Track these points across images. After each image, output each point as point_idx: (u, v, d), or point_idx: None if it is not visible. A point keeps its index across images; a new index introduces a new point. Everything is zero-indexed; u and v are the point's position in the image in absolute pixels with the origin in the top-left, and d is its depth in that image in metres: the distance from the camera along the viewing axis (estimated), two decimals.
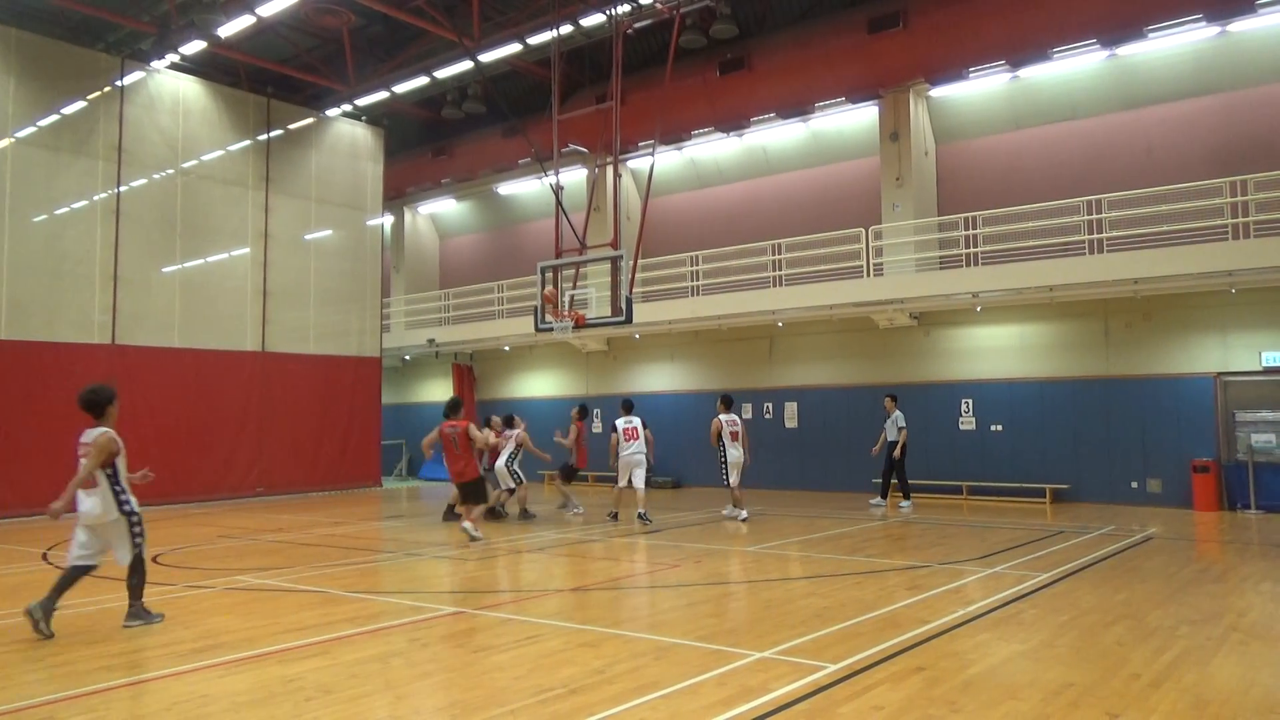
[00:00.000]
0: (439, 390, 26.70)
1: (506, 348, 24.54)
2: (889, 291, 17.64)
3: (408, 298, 27.28)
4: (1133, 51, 16.85)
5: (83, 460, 7.31)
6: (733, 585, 9.00)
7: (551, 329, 14.56)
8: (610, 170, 16.49)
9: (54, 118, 17.59)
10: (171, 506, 17.71)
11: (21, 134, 17.13)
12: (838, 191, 20.97)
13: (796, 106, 19.98)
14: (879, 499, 16.48)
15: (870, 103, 19.45)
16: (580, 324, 14.33)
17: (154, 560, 10.91)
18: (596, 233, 18.26)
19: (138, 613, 7.40)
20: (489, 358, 25.88)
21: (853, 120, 20.35)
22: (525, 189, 26.02)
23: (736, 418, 14.82)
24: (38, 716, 5.06)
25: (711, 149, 22.57)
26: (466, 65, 20.02)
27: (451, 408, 12.80)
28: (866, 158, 20.18)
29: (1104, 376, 16.65)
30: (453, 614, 7.63)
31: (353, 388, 22.26)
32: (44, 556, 11.51)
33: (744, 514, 14.36)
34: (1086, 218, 16.26)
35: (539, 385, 24.97)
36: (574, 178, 22.30)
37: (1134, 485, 16.21)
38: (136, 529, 7.50)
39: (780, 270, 19.52)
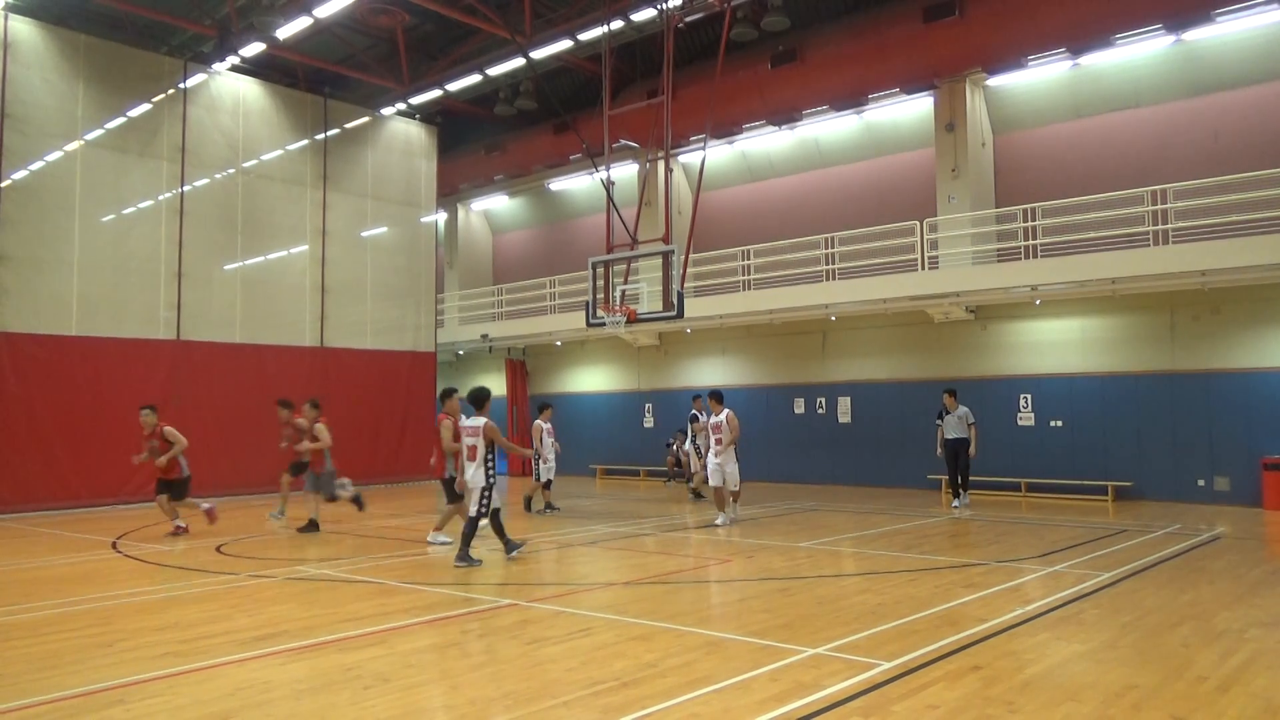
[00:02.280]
0: (492, 385, 26.95)
1: (559, 343, 24.70)
2: (945, 285, 17.34)
3: (462, 293, 27.59)
4: (1199, 36, 16.32)
5: (470, 441, 9.80)
6: (785, 581, 8.96)
7: (603, 324, 14.59)
8: (661, 165, 16.47)
9: (121, 120, 18.11)
10: (233, 497, 18.15)
11: (90, 136, 17.67)
12: (892, 184, 20.67)
13: (849, 98, 19.72)
14: (957, 500, 15.41)
15: (925, 93, 19.12)
16: (632, 319, 14.31)
17: (218, 550, 11.21)
18: (648, 227, 18.28)
19: (464, 556, 9.69)
20: (541, 353, 26.07)
21: (907, 111, 20.02)
22: (577, 184, 26.13)
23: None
24: (110, 699, 5.23)
25: (763, 142, 22.40)
26: (518, 62, 20.17)
27: (443, 396, 11.75)
28: (921, 149, 19.86)
29: (1169, 371, 16.18)
30: (506, 606, 7.71)
31: (408, 382, 22.60)
32: (113, 545, 11.88)
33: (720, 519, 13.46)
34: (1151, 208, 15.81)
35: (591, 380, 25.09)
36: (625, 173, 22.32)
37: (1200, 483, 15.74)
38: (486, 496, 9.75)
39: (833, 264, 19.31)
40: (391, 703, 5.11)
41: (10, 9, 16.54)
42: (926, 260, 17.84)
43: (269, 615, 7.49)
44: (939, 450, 15.78)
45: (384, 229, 22.74)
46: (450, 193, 27.26)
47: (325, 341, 21.10)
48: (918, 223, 18.01)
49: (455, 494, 11.30)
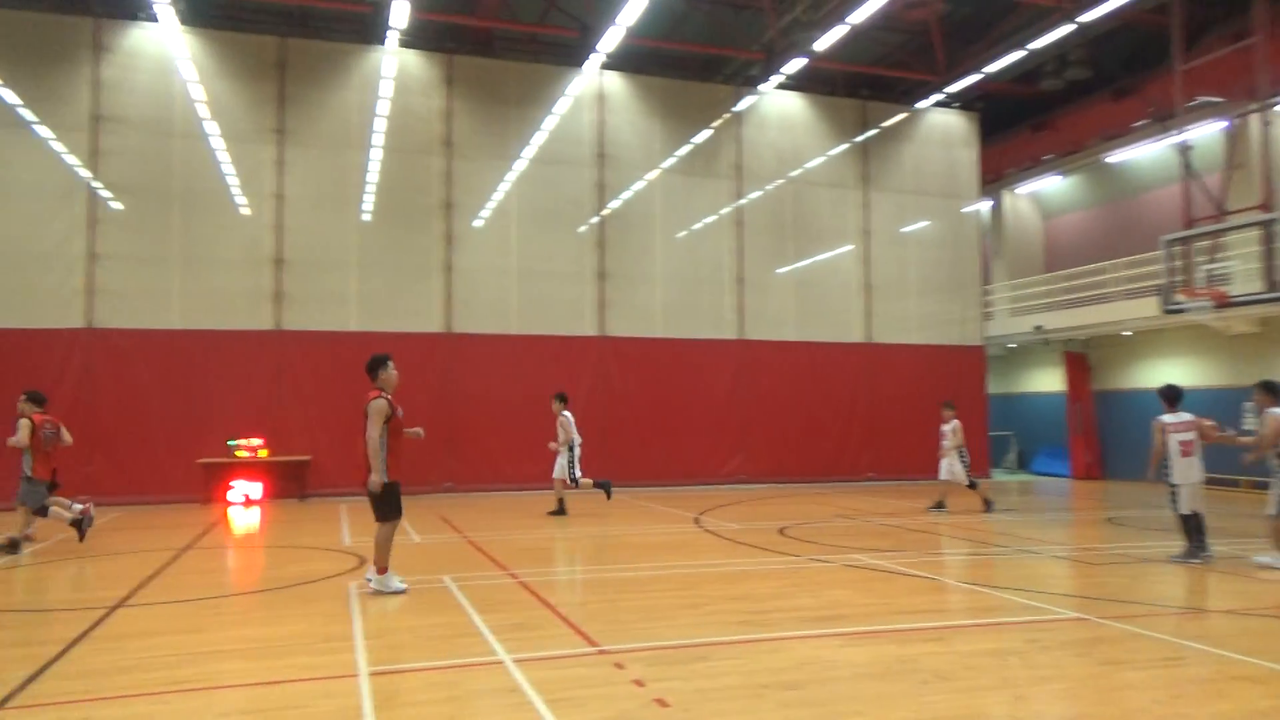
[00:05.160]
0: (1048, 380, 25.14)
1: (1127, 333, 22.07)
2: None
3: (1011, 284, 26.13)
4: None
5: (1183, 436, 9.56)
6: None
7: (1184, 310, 12.68)
8: (1255, 119, 13.78)
9: (688, 148, 20.59)
10: (791, 485, 19.56)
11: (665, 165, 20.39)
12: None
13: None
14: None
15: None
16: (1223, 303, 12.22)
17: (780, 533, 12.08)
18: (1239, 195, 15.46)
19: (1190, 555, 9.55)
20: (1105, 344, 23.52)
21: None
22: (1140, 155, 23.11)
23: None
24: (696, 654, 5.92)
25: None
26: (1066, 29, 18.45)
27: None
28: None
29: None
30: (1074, 619, 7.07)
31: (957, 377, 22.09)
32: (695, 520, 13.48)
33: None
34: None
35: (1168, 374, 21.91)
36: (1204, 135, 19.11)
37: None
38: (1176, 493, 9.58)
39: None
40: (951, 702, 5.00)
41: (604, 66, 19.76)
42: None
43: (829, 598, 7.84)
44: None
45: (926, 223, 22.56)
46: (994, 179, 26.00)
47: (872, 337, 21.66)
48: None
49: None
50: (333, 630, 6.70)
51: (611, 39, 17.69)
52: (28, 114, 16.48)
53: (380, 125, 18.37)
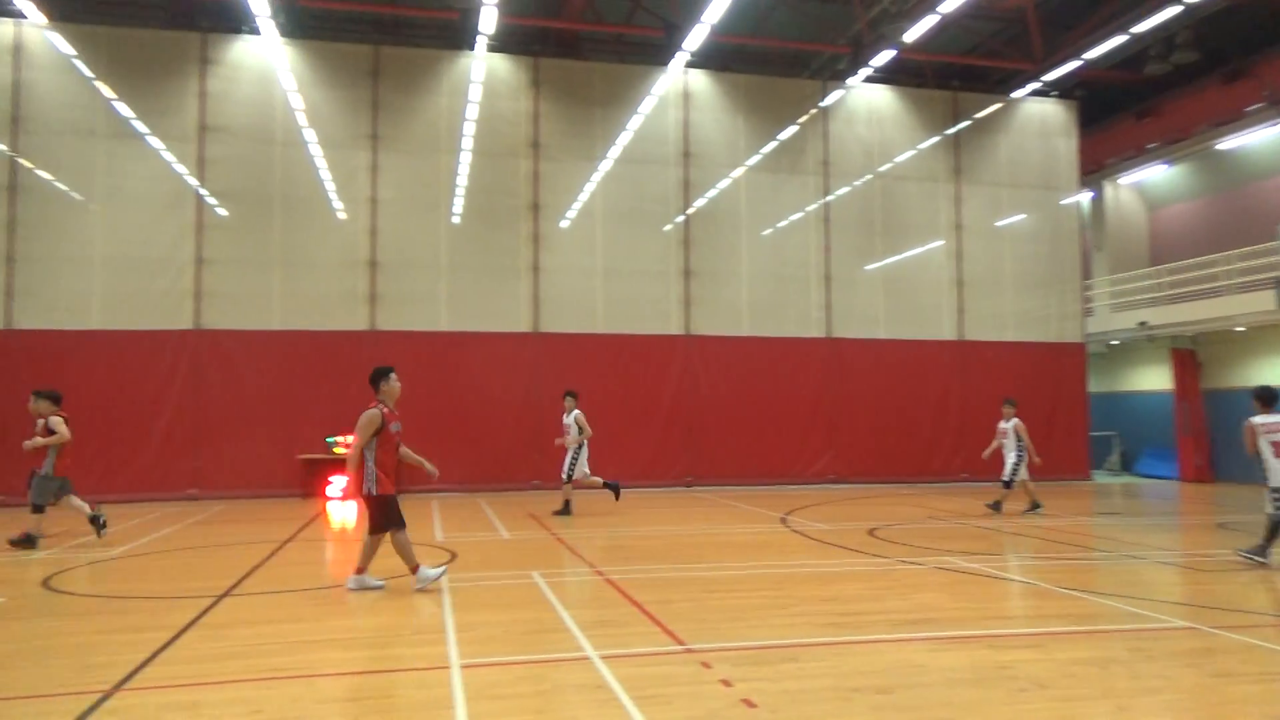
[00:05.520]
0: (1154, 378, 24.06)
1: (1239, 328, 20.96)
2: None
3: (1112, 278, 25.10)
4: None
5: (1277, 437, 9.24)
6: None
7: None
8: None
9: (773, 145, 20.38)
10: (881, 485, 19.19)
11: (750, 162, 20.23)
12: None
13: None
14: None
15: None
16: None
17: (869, 534, 11.87)
18: None
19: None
20: (1216, 340, 22.39)
21: None
22: (1254, 141, 21.92)
23: None
24: (784, 655, 5.86)
25: None
26: (1173, 10, 17.62)
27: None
28: None
29: None
30: (1184, 629, 6.75)
31: (1054, 375, 21.36)
32: (782, 520, 13.36)
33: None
34: None
35: None
36: None
37: None
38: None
39: None
40: (1050, 711, 4.83)
41: (689, 64, 19.72)
42: None
43: (920, 601, 7.66)
44: None
45: (1021, 216, 21.84)
46: (1094, 170, 25.01)
47: (965, 335, 21.08)
48: None
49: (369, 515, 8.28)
50: (424, 623, 6.86)
51: (696, 37, 17.65)
52: (141, 126, 17.37)
53: (469, 129, 18.76)
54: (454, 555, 10.07)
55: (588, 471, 13.84)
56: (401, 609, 7.37)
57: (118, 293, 17.09)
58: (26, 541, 10.56)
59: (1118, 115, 23.96)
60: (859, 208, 20.77)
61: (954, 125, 21.42)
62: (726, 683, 5.26)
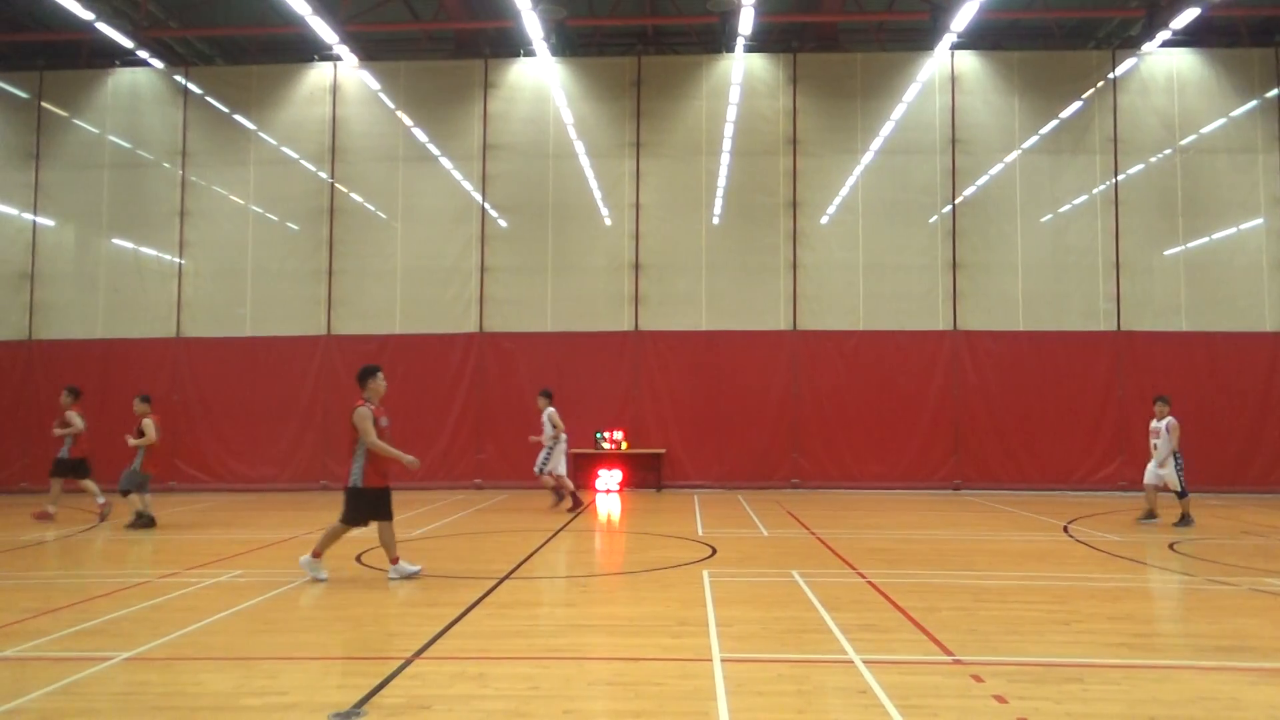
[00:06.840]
0: None
1: None
2: None
3: None
4: None
5: None
6: None
7: None
8: None
9: (1053, 123, 18.84)
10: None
11: (1026, 144, 18.84)
12: None
13: None
14: None
15: None
16: None
17: (1169, 548, 10.69)
18: None
19: None
20: None
21: None
22: None
23: None
24: (1067, 675, 5.40)
25: None
26: None
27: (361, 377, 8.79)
28: None
29: None
30: None
31: None
32: (1064, 529, 12.35)
33: None
34: None
35: None
36: None
37: None
38: None
39: None
40: None
41: (955, 46, 18.70)
42: None
43: (1231, 626, 6.78)
44: None
45: None
46: None
47: None
48: None
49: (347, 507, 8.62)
50: (688, 615, 7.02)
51: (965, 16, 16.70)
52: (434, 149, 19.27)
53: (727, 130, 19.01)
54: (714, 550, 10.23)
55: (563, 472, 14.35)
56: (665, 600, 7.60)
57: (415, 300, 19.02)
58: (141, 522, 12.24)
59: None
60: (1155, 186, 18.72)
61: (1276, 87, 18.72)
62: (1000, 699, 4.95)
